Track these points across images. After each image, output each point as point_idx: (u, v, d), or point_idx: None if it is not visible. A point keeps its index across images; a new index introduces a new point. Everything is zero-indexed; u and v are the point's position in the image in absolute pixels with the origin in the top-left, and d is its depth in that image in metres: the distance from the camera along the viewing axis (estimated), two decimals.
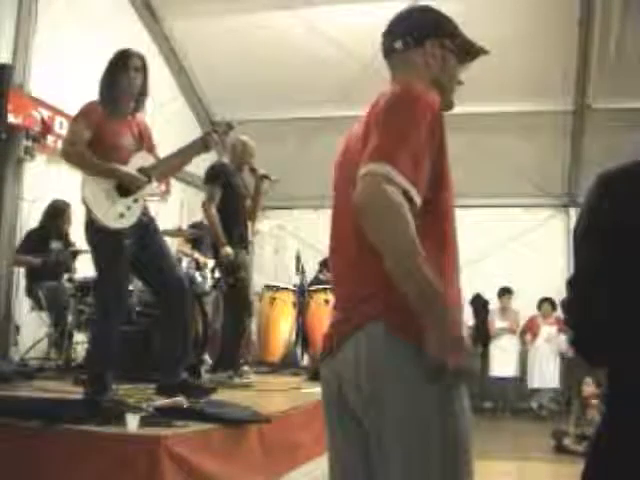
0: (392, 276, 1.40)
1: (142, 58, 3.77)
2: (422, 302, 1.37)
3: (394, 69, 1.76)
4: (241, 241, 5.34)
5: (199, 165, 4.98)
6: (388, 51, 1.77)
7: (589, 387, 6.78)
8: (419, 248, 1.38)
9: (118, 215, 3.59)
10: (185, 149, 3.90)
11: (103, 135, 3.59)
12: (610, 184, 1.43)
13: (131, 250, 3.62)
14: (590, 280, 1.40)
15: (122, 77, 3.68)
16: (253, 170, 5.50)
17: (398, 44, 1.73)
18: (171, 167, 3.97)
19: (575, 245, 1.47)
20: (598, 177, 1.45)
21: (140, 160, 3.75)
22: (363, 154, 1.49)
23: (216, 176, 5.27)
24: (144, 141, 3.84)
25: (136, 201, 3.68)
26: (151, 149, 3.88)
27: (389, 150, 1.44)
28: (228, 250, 5.11)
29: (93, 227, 3.56)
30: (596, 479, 1.41)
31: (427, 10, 1.79)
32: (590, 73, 7.54)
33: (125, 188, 3.64)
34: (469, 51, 1.77)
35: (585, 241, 1.43)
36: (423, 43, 1.71)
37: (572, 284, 1.45)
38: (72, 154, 3.60)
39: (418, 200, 1.44)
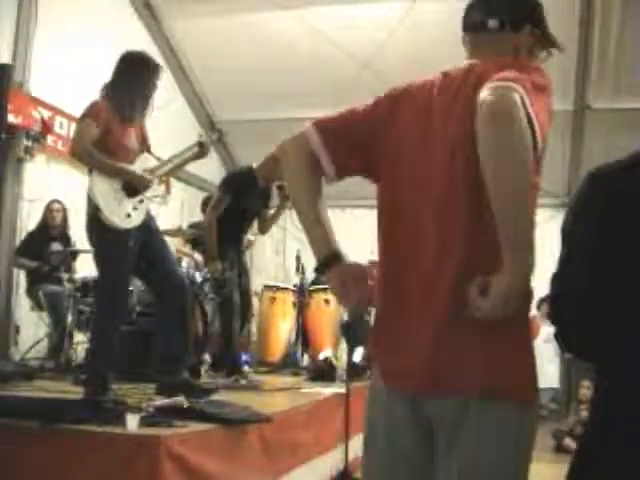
0: (501, 209, 1.31)
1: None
2: (520, 250, 1.33)
3: (477, 47, 1.60)
4: (239, 249, 5.33)
5: (200, 166, 4.98)
6: (476, 25, 1.60)
7: (588, 390, 6.78)
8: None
9: (125, 215, 3.61)
10: (182, 153, 3.95)
11: (110, 136, 3.60)
12: (601, 181, 1.42)
13: (134, 250, 3.62)
14: (575, 276, 1.39)
15: (150, 90, 3.72)
16: (280, 188, 5.33)
17: (493, 22, 1.57)
18: (169, 169, 4.00)
19: (562, 241, 1.46)
20: (586, 175, 1.45)
21: (144, 162, 3.78)
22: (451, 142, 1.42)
23: (230, 186, 5.15)
24: (145, 143, 3.87)
25: (142, 201, 3.70)
26: (149, 150, 3.91)
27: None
28: (218, 266, 5.06)
29: (99, 226, 3.56)
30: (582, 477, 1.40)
31: None
32: (590, 73, 7.53)
33: (132, 188, 3.66)
34: (548, 44, 1.66)
35: (572, 239, 1.43)
36: (520, 28, 1.58)
37: (556, 280, 1.44)
38: (81, 152, 3.61)
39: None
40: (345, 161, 1.58)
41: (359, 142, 1.58)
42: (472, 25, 1.61)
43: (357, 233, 5.69)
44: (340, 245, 1.57)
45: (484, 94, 1.31)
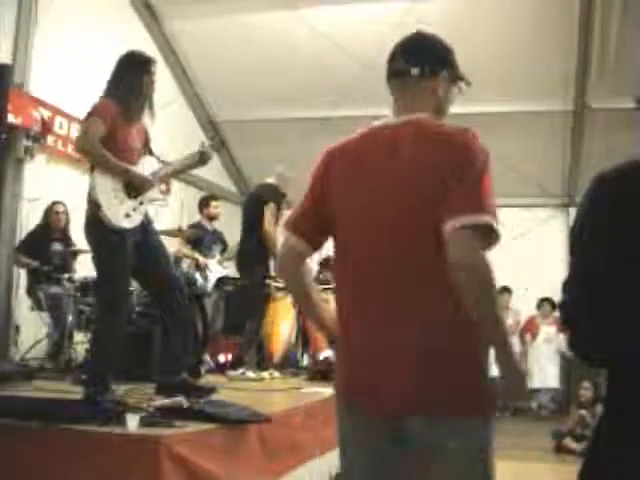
0: (486, 335, 1.64)
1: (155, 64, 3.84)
2: (507, 356, 1.64)
3: (402, 91, 1.87)
4: None
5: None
6: (401, 72, 1.87)
7: (587, 392, 6.79)
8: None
9: (125, 215, 3.61)
10: (183, 161, 3.97)
11: (115, 136, 3.59)
12: (606, 185, 1.43)
13: (131, 250, 3.62)
14: (587, 281, 1.39)
15: (145, 82, 3.72)
16: (284, 195, 6.01)
17: (415, 70, 1.85)
18: (169, 174, 4.02)
19: (572, 246, 1.47)
20: (594, 178, 1.45)
21: (147, 164, 3.79)
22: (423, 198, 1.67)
23: (277, 198, 5.80)
24: (147, 144, 3.88)
25: (142, 203, 3.71)
26: (150, 152, 3.92)
27: (486, 203, 1.63)
28: None
29: (98, 225, 3.56)
30: (595, 478, 1.41)
31: (441, 41, 1.92)
32: (590, 73, 7.54)
33: (133, 189, 3.66)
34: (459, 80, 1.93)
35: (582, 242, 1.43)
36: (438, 74, 1.86)
37: (568, 285, 1.44)
38: (89, 149, 3.60)
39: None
40: (317, 238, 1.91)
41: (317, 217, 1.87)
42: (397, 72, 1.89)
43: None
44: None
45: (453, 246, 1.60)
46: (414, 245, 1.69)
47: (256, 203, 5.86)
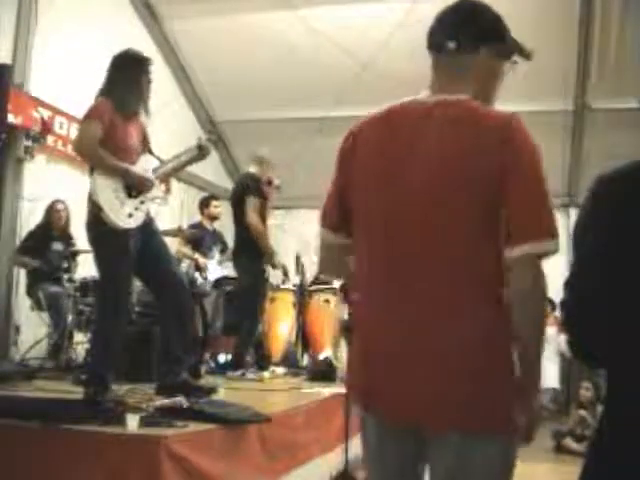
0: (523, 355, 1.65)
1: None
2: (532, 386, 1.68)
3: (438, 67, 1.69)
4: None
5: (200, 166, 4.97)
6: (437, 46, 1.68)
7: (587, 392, 6.79)
8: None
9: (127, 215, 3.61)
10: (181, 157, 3.97)
11: (114, 136, 3.59)
12: (608, 186, 1.43)
13: (134, 250, 3.62)
14: (589, 281, 1.39)
15: (142, 81, 3.72)
16: (270, 182, 5.77)
17: (451, 44, 1.64)
18: (169, 171, 4.01)
19: (573, 247, 1.46)
20: (596, 179, 1.45)
21: (146, 162, 3.78)
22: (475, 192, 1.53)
23: (258, 188, 5.54)
24: (145, 142, 3.87)
25: (143, 202, 3.71)
26: (150, 151, 3.91)
27: (551, 224, 1.53)
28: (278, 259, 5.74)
29: (100, 226, 3.55)
30: (596, 479, 1.41)
31: (486, 10, 1.71)
32: (590, 73, 7.54)
33: (134, 189, 3.66)
34: (515, 54, 1.74)
35: (584, 243, 1.43)
36: (478, 49, 1.66)
37: (569, 285, 1.44)
38: (88, 151, 3.60)
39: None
40: (349, 226, 1.74)
41: (343, 207, 1.74)
42: (434, 45, 1.70)
43: None
44: None
45: (519, 276, 1.54)
46: (449, 243, 1.54)
47: (238, 197, 5.64)
